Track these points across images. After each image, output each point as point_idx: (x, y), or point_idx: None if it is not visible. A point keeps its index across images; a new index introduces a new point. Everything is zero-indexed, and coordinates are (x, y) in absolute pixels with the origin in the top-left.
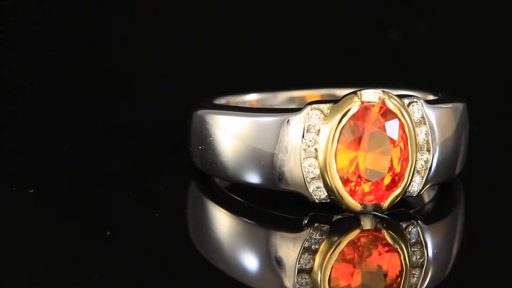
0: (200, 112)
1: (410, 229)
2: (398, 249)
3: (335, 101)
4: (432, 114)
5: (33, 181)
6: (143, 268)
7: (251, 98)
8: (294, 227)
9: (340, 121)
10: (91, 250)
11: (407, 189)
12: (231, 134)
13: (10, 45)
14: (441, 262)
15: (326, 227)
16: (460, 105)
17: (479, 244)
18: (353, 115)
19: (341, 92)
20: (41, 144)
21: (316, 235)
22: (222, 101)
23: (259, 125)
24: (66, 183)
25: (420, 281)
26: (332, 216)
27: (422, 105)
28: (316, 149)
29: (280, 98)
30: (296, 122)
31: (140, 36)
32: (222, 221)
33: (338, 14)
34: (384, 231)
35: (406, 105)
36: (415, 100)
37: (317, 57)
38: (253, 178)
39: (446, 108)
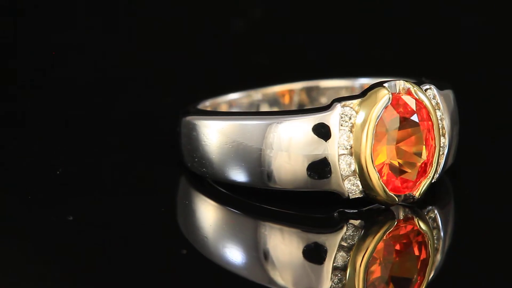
0: (188, 118)
1: (431, 216)
2: (427, 237)
3: (360, 95)
4: (440, 99)
5: (31, 181)
6: (133, 259)
7: (234, 97)
8: (324, 225)
9: (373, 116)
10: (89, 247)
11: (434, 175)
12: (218, 133)
13: (9, 45)
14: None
15: (359, 221)
16: (450, 91)
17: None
18: (385, 108)
19: (325, 83)
20: (40, 143)
21: (350, 231)
22: (206, 103)
23: (247, 127)
24: (63, 181)
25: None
26: (361, 211)
27: (434, 90)
28: (351, 146)
29: (261, 94)
30: (324, 120)
31: (137, 36)
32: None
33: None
34: (417, 220)
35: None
36: (430, 86)
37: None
38: (241, 176)
39: (447, 93)
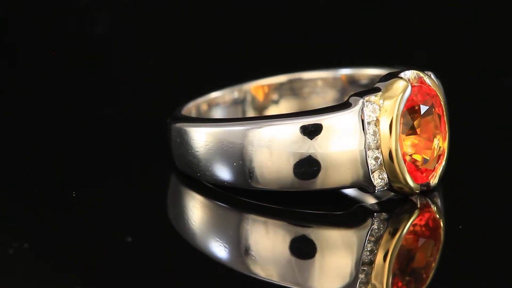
0: (178, 124)
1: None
2: (441, 222)
3: (377, 88)
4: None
5: (30, 180)
6: (125, 250)
7: (217, 94)
8: (348, 220)
9: (397, 107)
10: (89, 247)
11: (446, 162)
12: (206, 136)
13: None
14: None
15: (383, 215)
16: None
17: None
18: (408, 98)
19: (307, 75)
20: (39, 143)
21: (375, 224)
22: (190, 105)
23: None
24: (62, 181)
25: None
26: (380, 203)
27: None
28: (377, 140)
29: (245, 89)
30: (350, 117)
31: (129, 36)
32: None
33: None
34: (434, 207)
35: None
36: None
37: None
38: (226, 175)
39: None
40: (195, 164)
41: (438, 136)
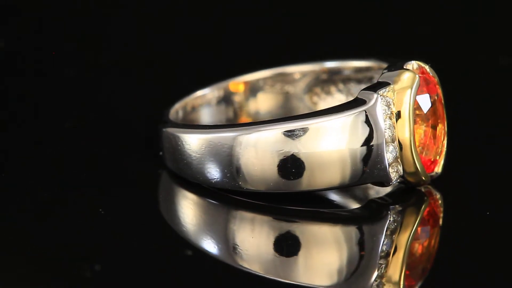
0: (170, 129)
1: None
2: (442, 212)
3: (385, 82)
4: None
5: (28, 180)
6: (124, 250)
7: (204, 92)
8: (365, 216)
9: (410, 99)
10: (88, 247)
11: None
12: (198, 140)
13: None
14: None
15: (396, 208)
16: None
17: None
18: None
19: (290, 69)
20: (37, 143)
21: (391, 218)
22: (176, 106)
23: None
24: (59, 176)
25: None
26: (390, 195)
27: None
28: (393, 133)
29: (223, 88)
30: (370, 112)
31: (121, 35)
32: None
33: None
34: (439, 196)
35: None
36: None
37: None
38: (216, 174)
39: None
40: (188, 166)
41: (440, 125)
